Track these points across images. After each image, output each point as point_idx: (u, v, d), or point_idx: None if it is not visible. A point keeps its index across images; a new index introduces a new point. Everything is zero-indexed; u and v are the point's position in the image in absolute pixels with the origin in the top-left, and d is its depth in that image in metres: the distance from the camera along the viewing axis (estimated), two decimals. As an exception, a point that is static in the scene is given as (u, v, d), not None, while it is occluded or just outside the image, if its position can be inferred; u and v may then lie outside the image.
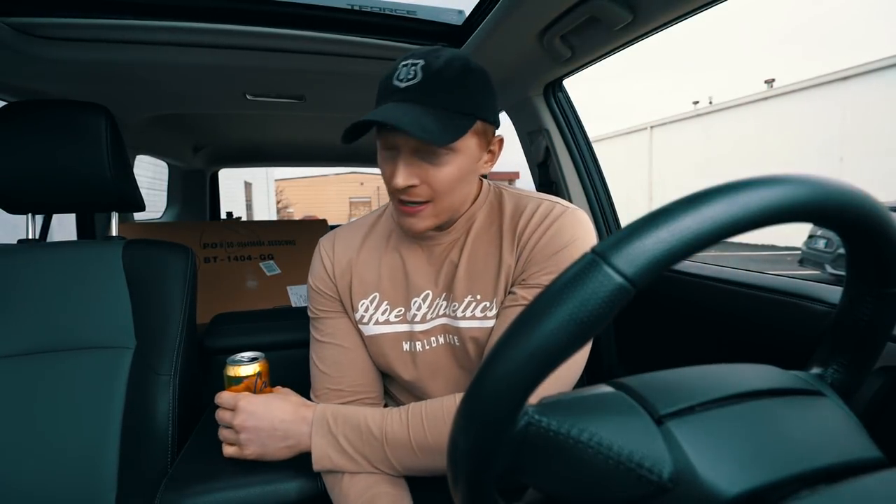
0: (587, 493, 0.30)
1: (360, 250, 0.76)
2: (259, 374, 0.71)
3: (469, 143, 0.63)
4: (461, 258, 0.71)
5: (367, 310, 0.73)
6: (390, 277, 0.73)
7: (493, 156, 0.69)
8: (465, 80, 0.60)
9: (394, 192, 0.64)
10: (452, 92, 0.59)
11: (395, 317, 0.73)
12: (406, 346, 0.73)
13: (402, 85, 0.58)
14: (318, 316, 0.77)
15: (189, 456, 0.78)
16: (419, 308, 0.72)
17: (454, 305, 0.70)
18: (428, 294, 0.72)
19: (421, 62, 0.58)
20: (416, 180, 0.61)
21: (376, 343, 0.74)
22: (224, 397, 0.68)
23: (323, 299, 0.76)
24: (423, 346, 0.72)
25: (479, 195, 0.73)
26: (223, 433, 0.68)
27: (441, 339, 0.72)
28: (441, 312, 0.72)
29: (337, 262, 0.75)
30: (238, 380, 0.70)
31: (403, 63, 0.60)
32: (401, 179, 0.60)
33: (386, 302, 0.73)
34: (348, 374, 0.74)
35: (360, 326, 0.74)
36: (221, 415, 0.68)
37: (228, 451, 0.68)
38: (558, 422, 0.30)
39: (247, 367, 0.70)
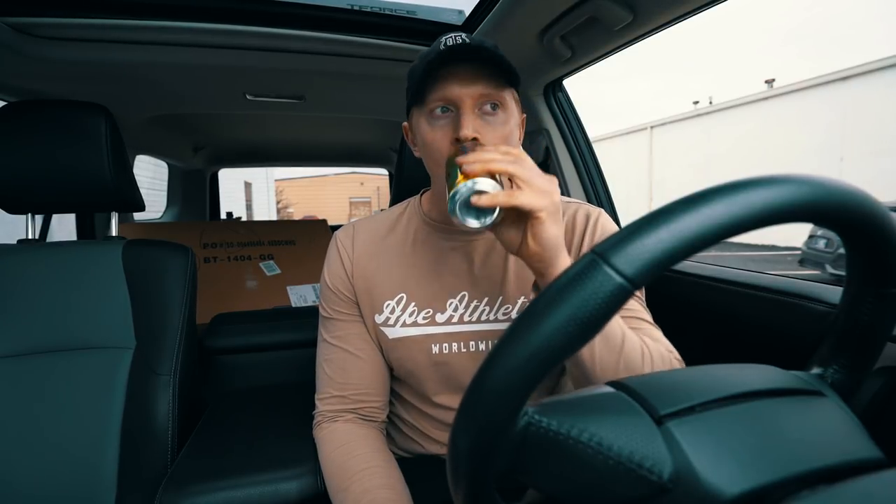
0: (587, 493, 0.30)
1: (383, 247, 0.73)
2: None
3: (513, 105, 0.64)
4: (508, 261, 0.70)
5: (392, 311, 0.70)
6: (418, 277, 0.70)
7: (521, 132, 0.68)
8: (505, 57, 0.61)
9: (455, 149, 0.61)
10: (499, 55, 0.59)
11: (423, 318, 0.70)
12: (436, 349, 0.69)
13: (452, 43, 0.58)
14: (330, 316, 0.74)
15: (189, 455, 0.78)
16: (455, 309, 0.70)
17: (506, 308, 0.69)
18: (464, 295, 0.70)
19: (462, 35, 0.60)
20: (477, 134, 0.59)
21: (403, 346, 0.70)
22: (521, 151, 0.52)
23: (337, 299, 0.73)
24: (459, 349, 0.69)
25: None
26: (516, 170, 0.49)
27: (482, 345, 0.70)
28: (484, 317, 0.70)
29: (357, 259, 0.72)
30: None
31: (447, 36, 0.60)
32: (469, 129, 0.58)
33: (413, 303, 0.70)
34: (353, 381, 0.72)
35: (385, 329, 0.71)
36: (502, 156, 0.49)
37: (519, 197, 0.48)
38: (558, 422, 0.30)
39: None
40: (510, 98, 0.63)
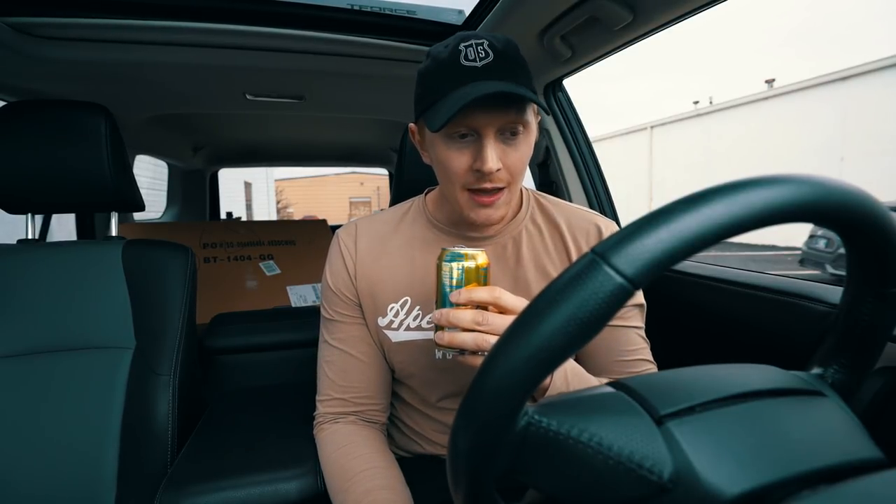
0: (587, 493, 0.30)
1: (387, 248, 0.72)
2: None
3: (533, 117, 0.62)
4: (516, 270, 0.70)
5: (396, 314, 0.70)
6: (423, 280, 0.69)
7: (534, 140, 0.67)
8: (523, 59, 0.60)
9: (476, 180, 0.60)
10: (521, 68, 0.58)
11: (428, 323, 0.69)
12: (439, 354, 0.69)
13: (480, 64, 0.56)
14: (332, 318, 0.73)
15: (189, 456, 0.78)
16: None
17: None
18: None
19: (484, 41, 0.57)
20: (500, 164, 0.59)
21: (406, 350, 0.70)
22: (501, 291, 0.51)
23: (339, 301, 0.72)
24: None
25: (521, 200, 0.73)
26: (487, 340, 0.50)
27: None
28: None
29: (360, 260, 0.71)
30: (483, 271, 0.53)
31: (465, 44, 0.57)
32: (493, 162, 0.57)
33: (418, 307, 0.69)
34: (355, 384, 0.72)
35: (388, 332, 0.70)
36: (487, 317, 0.50)
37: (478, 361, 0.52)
38: (558, 422, 0.30)
39: (482, 255, 0.54)
40: (531, 111, 0.61)
